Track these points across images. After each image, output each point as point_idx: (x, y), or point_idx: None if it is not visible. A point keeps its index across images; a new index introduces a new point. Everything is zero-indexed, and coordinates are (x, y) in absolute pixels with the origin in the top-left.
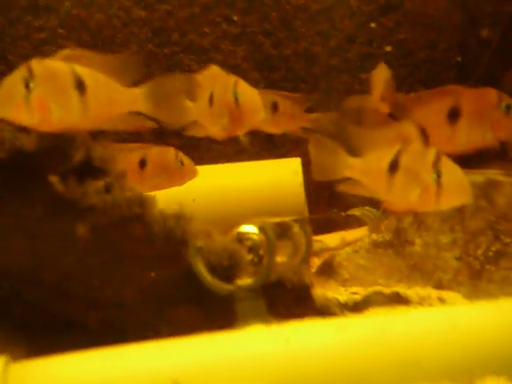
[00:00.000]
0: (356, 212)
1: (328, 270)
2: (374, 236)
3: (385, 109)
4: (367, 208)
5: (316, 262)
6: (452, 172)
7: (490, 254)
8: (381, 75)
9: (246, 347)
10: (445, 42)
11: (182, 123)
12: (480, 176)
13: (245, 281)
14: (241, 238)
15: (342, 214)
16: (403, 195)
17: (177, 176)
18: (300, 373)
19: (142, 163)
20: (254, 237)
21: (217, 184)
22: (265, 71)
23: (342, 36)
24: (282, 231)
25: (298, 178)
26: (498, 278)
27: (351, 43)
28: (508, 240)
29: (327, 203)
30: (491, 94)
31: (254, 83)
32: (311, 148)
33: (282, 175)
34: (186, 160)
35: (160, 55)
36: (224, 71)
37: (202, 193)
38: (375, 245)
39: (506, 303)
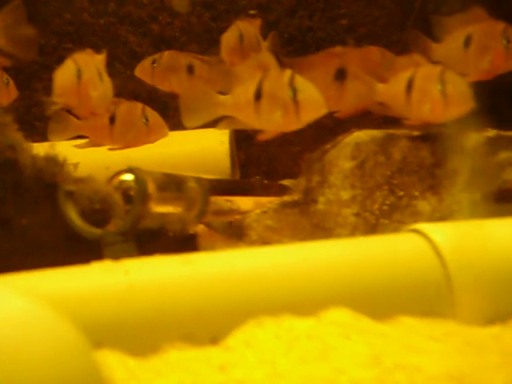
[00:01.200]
0: (285, 182)
1: (238, 232)
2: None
3: None
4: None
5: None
6: (306, 88)
7: (385, 208)
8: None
9: (88, 280)
10: (385, 18)
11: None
12: (379, 132)
13: (114, 226)
14: (119, 185)
15: (265, 181)
16: (269, 120)
17: (143, 133)
18: (138, 304)
19: (112, 119)
20: (130, 184)
21: (148, 152)
22: (204, 44)
23: (283, 10)
24: (173, 183)
25: (225, 147)
26: (391, 231)
27: (291, 17)
28: (401, 193)
29: (264, 174)
30: (374, 51)
31: None
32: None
33: (209, 144)
34: (153, 117)
35: (96, 25)
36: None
37: (131, 161)
38: (283, 205)
39: (353, 241)
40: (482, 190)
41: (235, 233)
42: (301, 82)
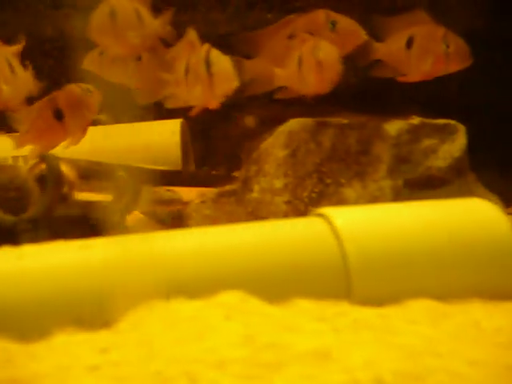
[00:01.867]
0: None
1: (178, 222)
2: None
3: None
4: None
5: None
6: (219, 62)
7: (314, 195)
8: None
9: None
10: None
11: None
12: (311, 120)
13: (28, 213)
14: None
15: (213, 172)
16: (192, 95)
17: (91, 106)
18: (29, 289)
19: (58, 115)
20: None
21: (99, 144)
22: None
23: (242, 2)
24: (100, 172)
25: (176, 137)
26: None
27: (251, 10)
28: (329, 181)
29: (224, 165)
30: (319, 14)
31: None
32: None
33: (160, 135)
34: (91, 87)
35: None
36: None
37: (83, 153)
38: (220, 194)
39: (255, 225)
40: (405, 176)
41: (176, 222)
42: (215, 55)
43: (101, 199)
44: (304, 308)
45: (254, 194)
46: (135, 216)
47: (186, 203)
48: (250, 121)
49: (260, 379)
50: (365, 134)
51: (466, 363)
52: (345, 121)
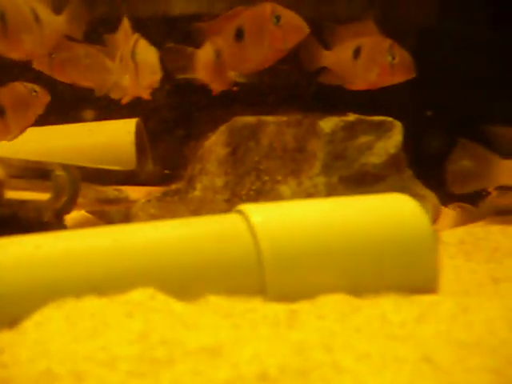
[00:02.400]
0: None
1: (125, 221)
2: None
3: None
4: None
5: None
6: (143, 52)
7: (251, 193)
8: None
9: None
10: None
11: None
12: (252, 118)
13: None
14: None
15: (166, 171)
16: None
17: (35, 106)
18: None
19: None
20: None
21: (53, 144)
22: None
23: None
24: (35, 171)
25: (130, 137)
26: None
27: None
28: (266, 178)
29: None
30: (265, 8)
31: None
32: None
33: (114, 135)
34: (37, 87)
35: None
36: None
37: (37, 153)
38: (165, 193)
39: (172, 222)
40: (340, 173)
41: (123, 221)
42: (142, 46)
43: (33, 198)
44: (214, 305)
45: (197, 193)
46: (81, 215)
47: (133, 202)
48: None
49: (148, 376)
50: (301, 132)
51: (355, 357)
52: (284, 118)
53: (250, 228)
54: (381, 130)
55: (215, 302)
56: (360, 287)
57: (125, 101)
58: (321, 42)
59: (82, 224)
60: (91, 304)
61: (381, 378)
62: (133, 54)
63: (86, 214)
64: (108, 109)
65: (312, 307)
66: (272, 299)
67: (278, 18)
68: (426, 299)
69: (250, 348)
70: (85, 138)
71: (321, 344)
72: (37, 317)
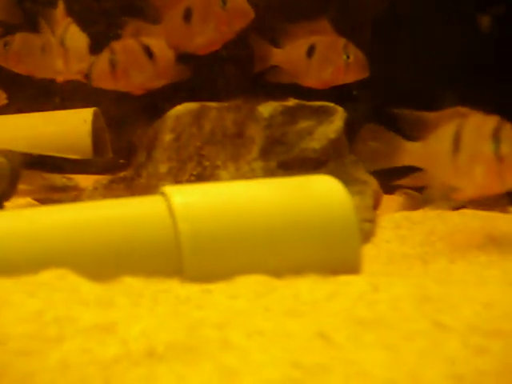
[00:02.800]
0: None
1: None
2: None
3: None
4: None
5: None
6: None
7: (192, 178)
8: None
9: None
10: None
11: None
12: (195, 104)
13: None
14: None
15: (121, 161)
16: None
17: None
18: None
19: None
20: None
21: (11, 134)
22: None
23: None
24: None
25: (87, 126)
26: None
27: None
28: (207, 163)
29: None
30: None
31: None
32: None
33: (71, 124)
34: None
35: None
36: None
37: None
38: (112, 181)
39: (97, 204)
40: (279, 158)
41: None
42: (71, 32)
43: None
44: (127, 285)
45: (142, 180)
46: (27, 202)
47: (82, 190)
48: None
49: (36, 354)
50: (240, 117)
51: (247, 334)
52: (226, 104)
53: (170, 209)
54: (322, 115)
55: (129, 283)
56: (281, 268)
57: (59, 80)
58: (272, 40)
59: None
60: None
61: (267, 354)
62: (62, 40)
63: (32, 200)
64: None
65: (227, 287)
66: (190, 280)
67: (224, 1)
68: (342, 279)
69: (141, 325)
70: (42, 126)
71: (218, 322)
72: None
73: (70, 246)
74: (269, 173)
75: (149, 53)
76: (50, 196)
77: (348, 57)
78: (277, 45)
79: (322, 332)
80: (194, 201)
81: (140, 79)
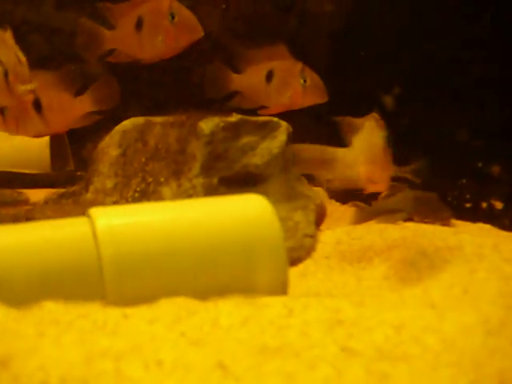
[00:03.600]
0: None
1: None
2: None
3: None
4: None
5: None
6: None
7: (137, 195)
8: None
9: None
10: None
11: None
12: (141, 119)
13: None
14: None
15: (79, 173)
16: None
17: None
18: None
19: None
20: None
21: None
22: None
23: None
24: None
25: (45, 138)
26: None
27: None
28: (150, 179)
29: None
30: (164, 3)
31: None
32: None
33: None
34: None
35: None
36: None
37: None
38: (61, 195)
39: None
40: (221, 174)
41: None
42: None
43: None
44: (45, 311)
45: (89, 195)
46: None
47: (32, 204)
48: None
49: None
50: (183, 133)
51: (145, 365)
52: (170, 119)
53: (94, 233)
54: (265, 130)
55: (49, 308)
56: (206, 290)
57: None
58: (230, 65)
59: None
60: None
61: None
62: None
63: None
64: None
65: (148, 311)
66: (113, 304)
67: (172, 16)
68: (262, 302)
69: (39, 358)
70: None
71: (122, 351)
72: None
73: None
74: (210, 189)
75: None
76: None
77: (305, 81)
78: (236, 70)
79: (222, 362)
80: (117, 224)
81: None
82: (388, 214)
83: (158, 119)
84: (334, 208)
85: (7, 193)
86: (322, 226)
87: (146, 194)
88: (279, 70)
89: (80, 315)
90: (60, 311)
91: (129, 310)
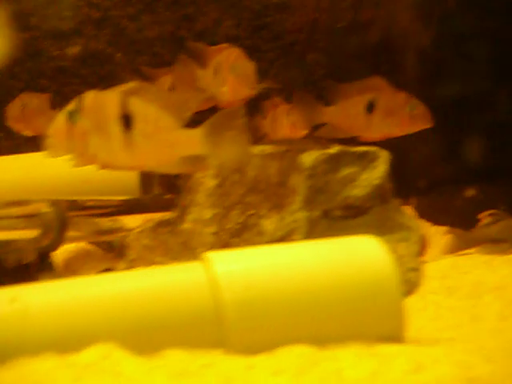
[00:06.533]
0: None
1: (119, 251)
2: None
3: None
4: None
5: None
6: None
7: (237, 226)
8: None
9: None
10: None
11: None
12: None
13: None
14: None
15: (167, 196)
16: None
17: None
18: None
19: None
20: None
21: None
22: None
23: (209, 20)
24: (18, 210)
25: None
26: None
27: (218, 26)
28: (250, 212)
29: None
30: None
31: (121, 67)
32: None
33: None
34: None
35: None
36: None
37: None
38: (159, 224)
39: (133, 273)
40: (322, 207)
41: (119, 252)
42: None
43: (17, 237)
44: (170, 360)
45: (186, 225)
46: (80, 248)
47: (128, 231)
48: None
49: None
50: (283, 165)
51: None
52: (268, 150)
53: (212, 278)
54: (365, 160)
55: (173, 357)
56: (323, 337)
57: None
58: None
59: (76, 256)
60: (41, 366)
61: None
62: None
63: (79, 245)
64: None
65: (270, 361)
66: (232, 352)
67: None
68: (385, 351)
69: None
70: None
71: None
72: None
73: (111, 318)
74: (313, 222)
75: None
76: (98, 239)
77: (412, 109)
78: (327, 103)
79: None
80: (236, 269)
81: None
82: (489, 243)
83: (255, 150)
84: (426, 229)
85: (102, 222)
86: (423, 258)
87: (246, 227)
88: (381, 100)
89: (205, 364)
90: (184, 359)
91: (251, 360)
